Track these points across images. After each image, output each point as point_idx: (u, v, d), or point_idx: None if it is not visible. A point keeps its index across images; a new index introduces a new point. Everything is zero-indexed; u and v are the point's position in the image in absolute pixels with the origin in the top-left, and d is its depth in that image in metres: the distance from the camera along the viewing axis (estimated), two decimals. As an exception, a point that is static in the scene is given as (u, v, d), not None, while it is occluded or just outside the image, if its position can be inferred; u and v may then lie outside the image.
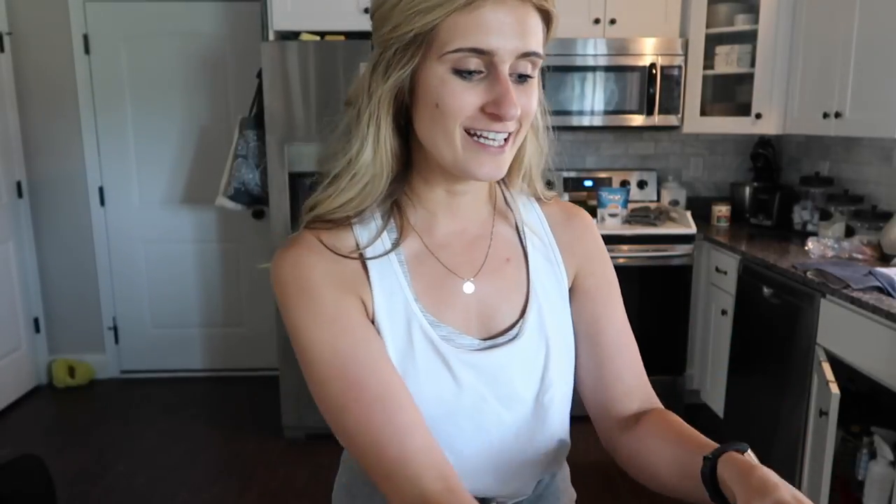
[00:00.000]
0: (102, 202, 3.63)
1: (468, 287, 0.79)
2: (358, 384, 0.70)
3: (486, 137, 0.69)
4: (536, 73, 0.71)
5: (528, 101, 0.70)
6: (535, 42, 0.68)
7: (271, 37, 2.99)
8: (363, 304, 0.75)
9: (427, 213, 0.79)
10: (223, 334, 3.77)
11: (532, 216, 0.87)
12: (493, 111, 0.67)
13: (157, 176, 3.62)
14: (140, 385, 3.71)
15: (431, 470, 0.67)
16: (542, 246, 0.85)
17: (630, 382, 0.85)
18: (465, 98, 0.67)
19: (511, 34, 0.66)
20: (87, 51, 3.47)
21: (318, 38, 2.90)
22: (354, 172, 0.73)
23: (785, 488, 0.57)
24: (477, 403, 0.78)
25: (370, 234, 0.77)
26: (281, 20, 2.96)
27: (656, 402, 0.86)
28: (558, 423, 0.84)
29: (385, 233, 0.77)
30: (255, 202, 3.19)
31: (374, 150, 0.72)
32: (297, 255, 0.74)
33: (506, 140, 0.71)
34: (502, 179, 0.82)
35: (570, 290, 0.86)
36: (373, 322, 0.75)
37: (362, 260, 0.75)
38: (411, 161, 0.77)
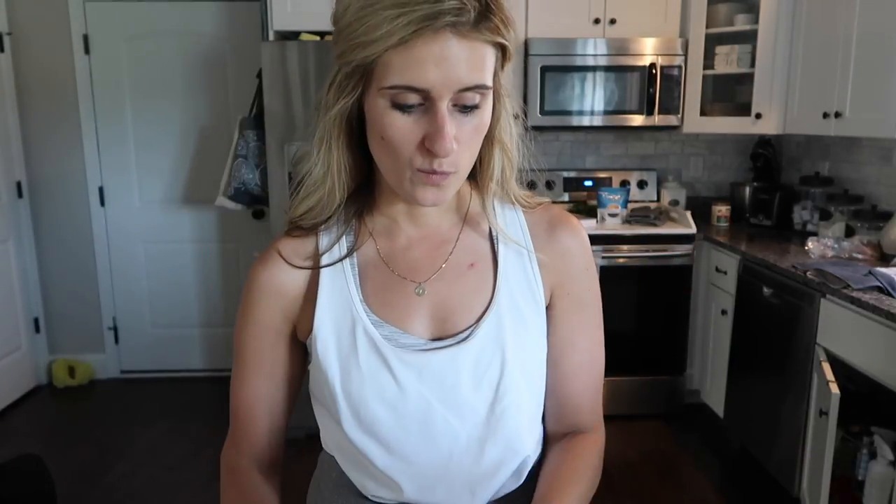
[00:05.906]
0: (102, 202, 3.63)
1: (420, 290, 0.80)
2: (249, 383, 0.86)
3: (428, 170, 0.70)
4: (485, 101, 0.70)
5: (472, 132, 0.70)
6: (479, 75, 0.67)
7: (271, 37, 2.99)
8: (297, 316, 0.82)
9: (388, 219, 0.82)
10: (223, 334, 3.76)
11: (513, 224, 0.84)
12: (428, 146, 0.67)
13: (157, 176, 3.62)
14: (140, 385, 3.71)
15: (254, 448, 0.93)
16: (518, 256, 0.82)
17: (573, 408, 0.87)
18: (406, 132, 0.68)
19: (449, 70, 0.64)
20: (87, 51, 3.47)
21: (318, 38, 2.90)
22: (307, 186, 0.78)
23: None
24: (422, 407, 0.77)
25: (330, 239, 0.81)
26: (281, 20, 2.96)
27: (591, 427, 0.88)
28: (513, 435, 0.81)
29: (343, 238, 0.81)
30: (255, 202, 3.19)
31: (325, 169, 0.76)
32: (255, 269, 0.82)
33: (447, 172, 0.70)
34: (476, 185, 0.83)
35: (546, 307, 0.84)
36: (310, 329, 0.80)
37: (316, 266, 0.81)
38: (372, 173, 0.80)
